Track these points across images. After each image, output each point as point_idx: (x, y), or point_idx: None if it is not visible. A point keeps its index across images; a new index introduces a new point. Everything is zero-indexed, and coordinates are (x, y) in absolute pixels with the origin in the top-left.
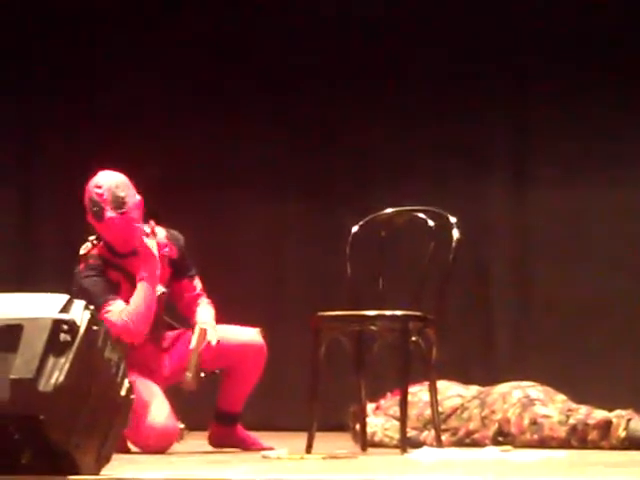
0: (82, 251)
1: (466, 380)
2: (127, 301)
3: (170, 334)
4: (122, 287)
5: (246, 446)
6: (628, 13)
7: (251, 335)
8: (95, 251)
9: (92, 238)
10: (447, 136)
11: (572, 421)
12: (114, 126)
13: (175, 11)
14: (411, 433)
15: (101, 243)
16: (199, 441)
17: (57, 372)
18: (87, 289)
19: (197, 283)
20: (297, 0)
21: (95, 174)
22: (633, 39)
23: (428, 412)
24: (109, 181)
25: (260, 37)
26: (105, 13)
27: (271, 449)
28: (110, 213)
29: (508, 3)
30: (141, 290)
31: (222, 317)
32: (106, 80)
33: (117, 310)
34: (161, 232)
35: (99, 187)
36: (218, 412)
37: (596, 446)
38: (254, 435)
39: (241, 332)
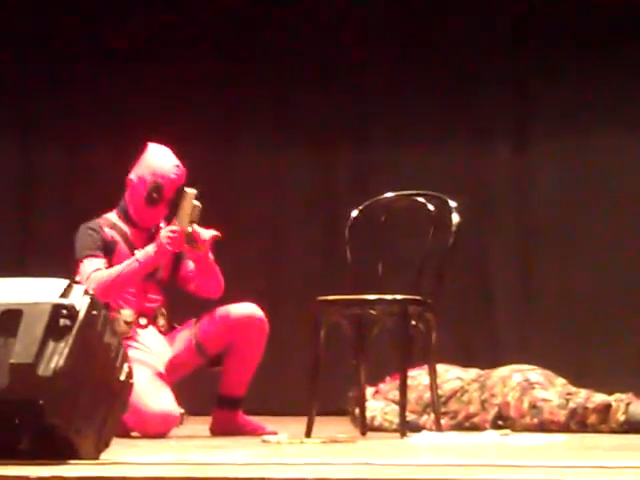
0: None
1: (467, 363)
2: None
3: (172, 333)
4: (117, 247)
5: (249, 431)
6: None
7: (251, 309)
8: (110, 215)
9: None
10: (449, 110)
11: (572, 405)
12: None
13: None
14: (410, 417)
15: (117, 208)
16: (199, 426)
17: (56, 357)
18: (78, 239)
19: None
20: None
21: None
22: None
23: (427, 395)
24: (180, 174)
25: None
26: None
27: (274, 433)
28: (163, 207)
29: None
30: (129, 266)
31: (220, 301)
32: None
33: (91, 267)
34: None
35: (171, 180)
36: (221, 397)
37: (595, 430)
38: (256, 420)
39: (240, 307)
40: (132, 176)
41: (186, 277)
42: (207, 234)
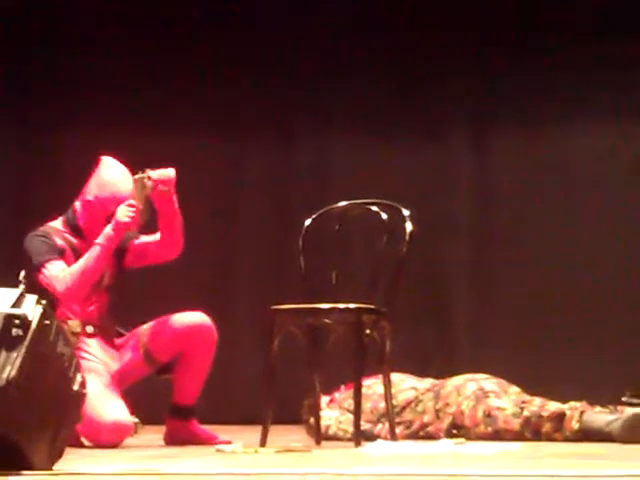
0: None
1: (421, 373)
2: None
3: (119, 340)
4: (65, 254)
5: (203, 441)
6: None
7: (199, 317)
8: (55, 223)
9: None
10: (402, 110)
11: (526, 413)
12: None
13: None
14: (365, 426)
15: (63, 218)
16: (153, 435)
17: (9, 367)
18: (31, 247)
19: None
20: None
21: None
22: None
23: (382, 405)
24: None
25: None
26: None
27: (229, 443)
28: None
29: None
30: (93, 252)
31: (170, 310)
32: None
33: (57, 269)
34: None
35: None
36: (173, 406)
37: (550, 438)
38: (210, 429)
39: (188, 316)
40: (90, 197)
41: (141, 251)
42: (166, 171)
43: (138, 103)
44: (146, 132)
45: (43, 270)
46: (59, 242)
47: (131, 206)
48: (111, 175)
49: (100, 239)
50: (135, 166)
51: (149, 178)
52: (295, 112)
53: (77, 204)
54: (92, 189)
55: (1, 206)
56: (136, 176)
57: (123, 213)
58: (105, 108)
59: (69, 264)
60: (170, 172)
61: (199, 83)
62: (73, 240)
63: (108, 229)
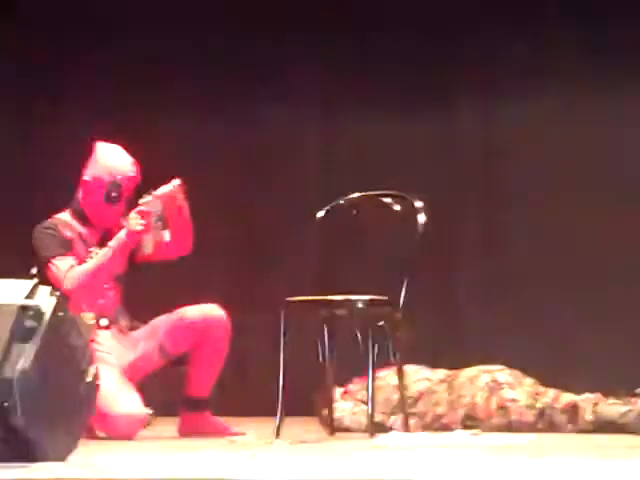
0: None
1: (434, 364)
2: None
3: (133, 332)
4: (73, 246)
5: (217, 432)
6: None
7: (212, 309)
8: (62, 215)
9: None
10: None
11: (540, 405)
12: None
13: None
14: (379, 418)
15: (70, 209)
16: (167, 427)
17: (22, 358)
18: (40, 240)
19: None
20: None
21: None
22: None
23: (396, 396)
24: (137, 171)
25: None
26: None
27: (242, 434)
28: (121, 205)
29: None
30: (104, 256)
31: (184, 303)
32: None
33: (66, 265)
34: None
35: (129, 177)
36: (187, 398)
37: (564, 430)
38: (224, 421)
39: (201, 308)
40: (87, 177)
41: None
42: (170, 186)
43: (139, 97)
44: (147, 127)
45: (51, 266)
46: (66, 233)
47: (141, 213)
48: (105, 155)
49: (113, 242)
50: (141, 162)
51: (155, 197)
52: (300, 97)
53: (79, 192)
54: (88, 171)
55: (6, 198)
56: (141, 201)
57: (134, 222)
58: (105, 100)
59: (78, 253)
60: (175, 184)
61: (201, 77)
62: (81, 229)
63: (122, 234)
